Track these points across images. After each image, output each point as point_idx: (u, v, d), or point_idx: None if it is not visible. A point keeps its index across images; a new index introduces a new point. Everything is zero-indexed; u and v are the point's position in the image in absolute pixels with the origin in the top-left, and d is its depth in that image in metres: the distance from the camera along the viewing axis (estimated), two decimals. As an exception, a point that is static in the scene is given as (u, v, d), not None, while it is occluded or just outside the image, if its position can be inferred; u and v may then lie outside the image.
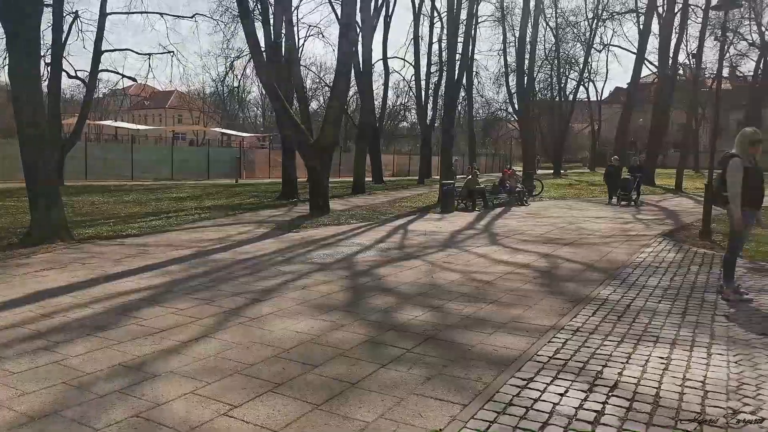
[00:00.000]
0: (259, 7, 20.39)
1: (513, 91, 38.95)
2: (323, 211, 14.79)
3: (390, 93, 42.28)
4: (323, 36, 57.46)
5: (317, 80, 47.62)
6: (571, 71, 49.25)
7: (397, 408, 3.30)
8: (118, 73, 28.45)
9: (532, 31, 25.50)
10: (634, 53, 36.65)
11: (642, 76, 37.09)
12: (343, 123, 25.50)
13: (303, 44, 36.34)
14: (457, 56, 22.46)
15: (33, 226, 9.56)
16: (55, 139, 20.45)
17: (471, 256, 8.64)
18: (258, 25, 18.27)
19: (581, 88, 51.19)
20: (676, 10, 29.66)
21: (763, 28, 38.30)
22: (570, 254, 8.71)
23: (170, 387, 3.57)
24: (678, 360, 4.04)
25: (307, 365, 3.98)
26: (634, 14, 40.07)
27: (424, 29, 36.38)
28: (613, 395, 3.43)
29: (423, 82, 36.23)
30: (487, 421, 3.11)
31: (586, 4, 59.50)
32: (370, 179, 29.64)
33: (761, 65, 38.85)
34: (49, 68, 21.75)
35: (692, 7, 31.51)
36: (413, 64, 35.28)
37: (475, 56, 39.33)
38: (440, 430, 3.04)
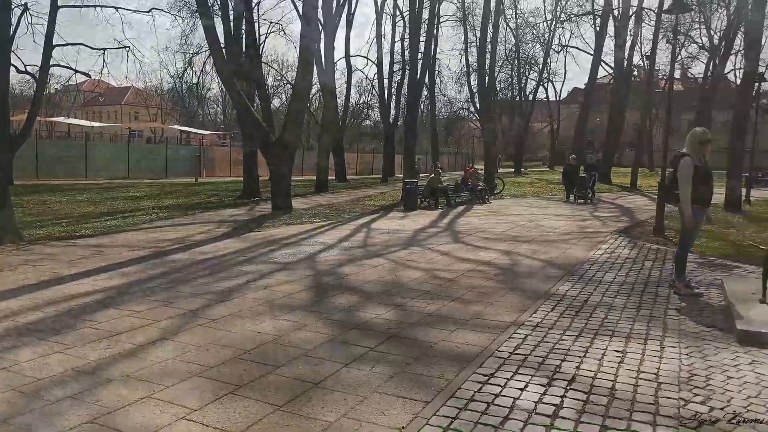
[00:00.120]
0: (219, 2, 20.03)
1: (474, 90, 39.44)
2: (286, 210, 14.65)
3: (353, 91, 42.18)
4: (285, 33, 56.84)
5: (279, 77, 47.10)
6: (531, 71, 50.18)
7: (360, 407, 3.30)
8: (70, 68, 27.42)
9: (492, 31, 25.83)
10: (591, 54, 37.62)
11: (599, 76, 38.08)
12: (305, 121, 25.31)
13: (264, 41, 35.82)
14: (420, 55, 22.59)
15: (-21, 228, 9.16)
16: (3, 136, 19.60)
17: (434, 254, 8.70)
18: (217, 20, 17.94)
19: (540, 88, 52.22)
20: (630, 13, 30.58)
21: (712, 32, 39.86)
22: (530, 251, 8.88)
23: (127, 391, 3.48)
24: (633, 353, 4.16)
25: (269, 366, 3.94)
26: (591, 16, 41.11)
27: (386, 28, 36.53)
28: (571, 389, 3.51)
29: (386, 81, 36.32)
30: (449, 417, 3.14)
31: (544, 6, 60.74)
32: (334, 178, 29.53)
33: (710, 68, 40.40)
34: (-4, 62, 20.82)
35: (645, 10, 32.51)
36: (376, 62, 35.34)
37: (438, 55, 39.62)
38: (403, 428, 3.05)
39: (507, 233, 11.12)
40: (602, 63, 37.14)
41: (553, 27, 45.60)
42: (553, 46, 47.17)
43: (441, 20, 38.70)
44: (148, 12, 27.66)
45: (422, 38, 21.49)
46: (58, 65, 16.17)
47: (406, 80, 27.27)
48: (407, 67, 27.18)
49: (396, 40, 37.65)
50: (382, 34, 34.71)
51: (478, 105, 38.97)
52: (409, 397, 3.43)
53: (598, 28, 34.76)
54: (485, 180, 21.43)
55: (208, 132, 48.00)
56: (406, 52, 30.13)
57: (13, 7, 21.76)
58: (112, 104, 71.29)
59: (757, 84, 18.10)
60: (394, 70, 37.39)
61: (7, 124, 10.79)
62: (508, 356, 4.09)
